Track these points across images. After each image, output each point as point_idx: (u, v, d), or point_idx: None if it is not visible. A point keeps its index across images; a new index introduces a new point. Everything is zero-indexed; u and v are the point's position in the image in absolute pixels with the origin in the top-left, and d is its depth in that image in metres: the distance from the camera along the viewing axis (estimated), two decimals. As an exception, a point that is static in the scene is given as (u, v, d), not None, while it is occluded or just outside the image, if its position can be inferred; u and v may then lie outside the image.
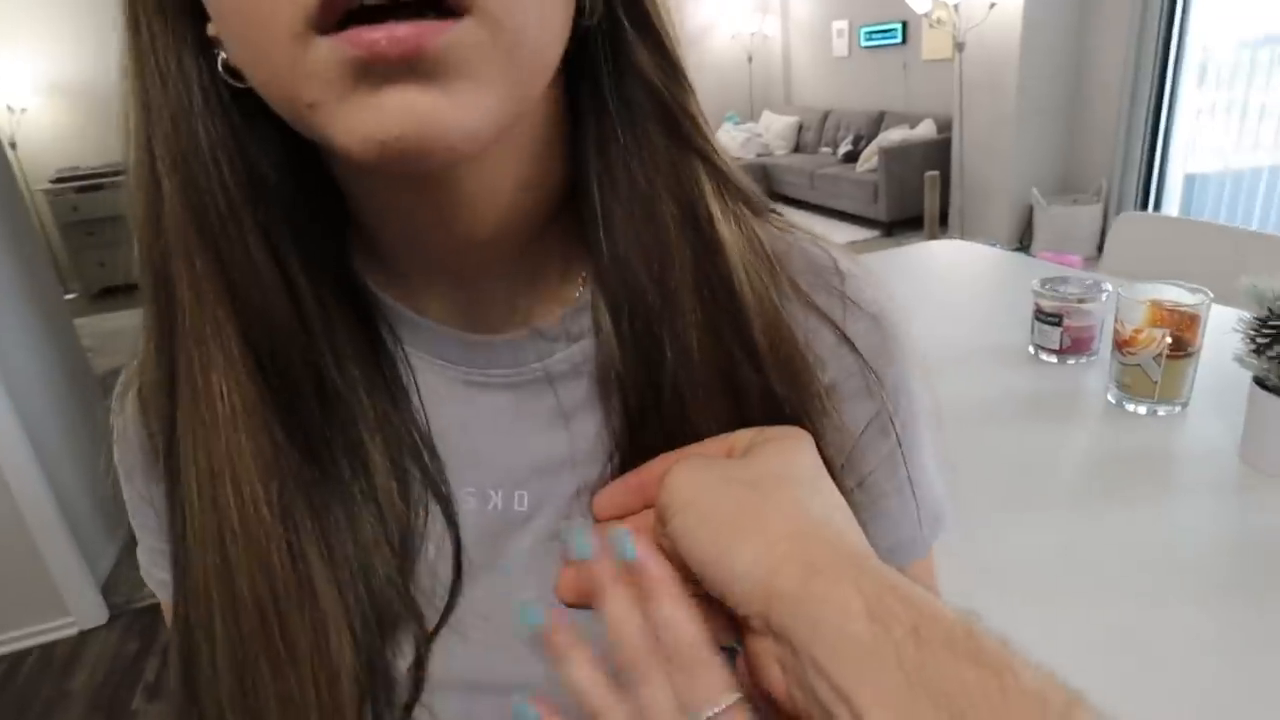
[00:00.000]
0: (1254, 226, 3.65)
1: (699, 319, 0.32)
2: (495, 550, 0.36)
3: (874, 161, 5.27)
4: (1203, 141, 3.99)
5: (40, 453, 2.00)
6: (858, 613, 0.23)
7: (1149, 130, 4.09)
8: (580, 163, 0.33)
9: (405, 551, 0.34)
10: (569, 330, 0.35)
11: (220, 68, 0.28)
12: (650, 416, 0.33)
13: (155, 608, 2.11)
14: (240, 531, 0.31)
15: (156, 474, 0.34)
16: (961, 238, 4.96)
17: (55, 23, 5.62)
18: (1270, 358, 0.84)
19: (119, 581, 2.27)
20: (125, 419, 0.39)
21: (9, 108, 5.54)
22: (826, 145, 6.38)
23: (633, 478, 0.33)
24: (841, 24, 6.44)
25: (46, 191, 5.51)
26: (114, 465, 0.40)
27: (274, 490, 0.31)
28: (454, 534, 0.35)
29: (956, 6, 4.54)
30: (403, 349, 0.36)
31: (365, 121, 0.23)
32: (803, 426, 0.33)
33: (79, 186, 5.45)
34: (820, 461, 0.31)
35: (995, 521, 0.83)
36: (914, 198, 5.05)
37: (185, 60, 0.29)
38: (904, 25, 5.65)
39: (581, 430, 0.35)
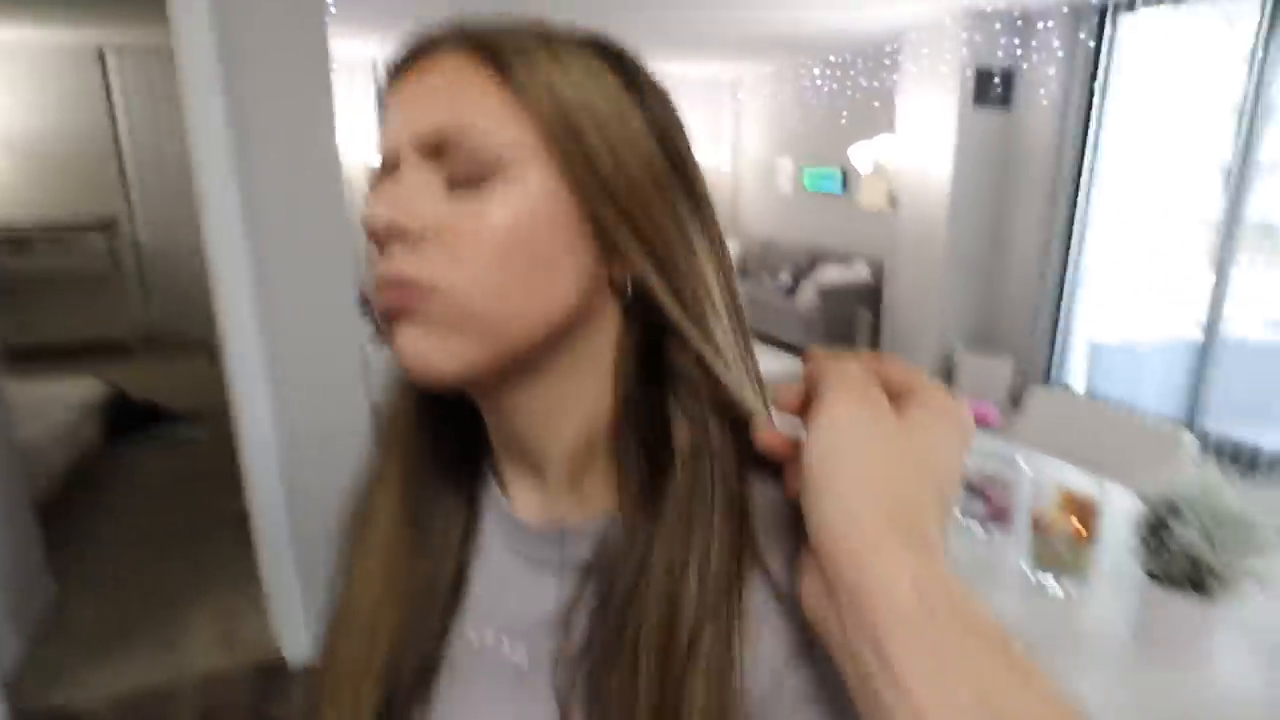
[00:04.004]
0: (1150, 396, 4.04)
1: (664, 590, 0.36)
2: (478, 676, 0.44)
3: (811, 296, 5.62)
4: (1107, 311, 4.44)
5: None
6: (907, 587, 0.28)
7: (1058, 295, 4.53)
8: (623, 415, 0.41)
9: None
10: (591, 531, 0.42)
11: None
12: (604, 639, 0.38)
13: (62, 713, 1.98)
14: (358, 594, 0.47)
15: None
16: (889, 374, 5.28)
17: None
18: (1159, 556, 0.99)
19: (24, 679, 2.11)
20: None
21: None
22: (768, 273, 6.78)
23: (804, 379, 0.36)
24: (785, 162, 6.98)
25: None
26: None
27: (382, 580, 0.46)
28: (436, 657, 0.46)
29: (892, 169, 5.02)
30: (481, 516, 0.48)
31: (397, 355, 0.38)
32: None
33: (5, 240, 5.30)
34: (961, 443, 0.34)
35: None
36: (849, 333, 5.39)
37: None
38: (844, 173, 6.17)
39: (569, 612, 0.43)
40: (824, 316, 5.45)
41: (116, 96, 5.89)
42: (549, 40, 0.38)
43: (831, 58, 6.15)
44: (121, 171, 6.02)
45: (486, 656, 0.44)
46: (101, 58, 5.81)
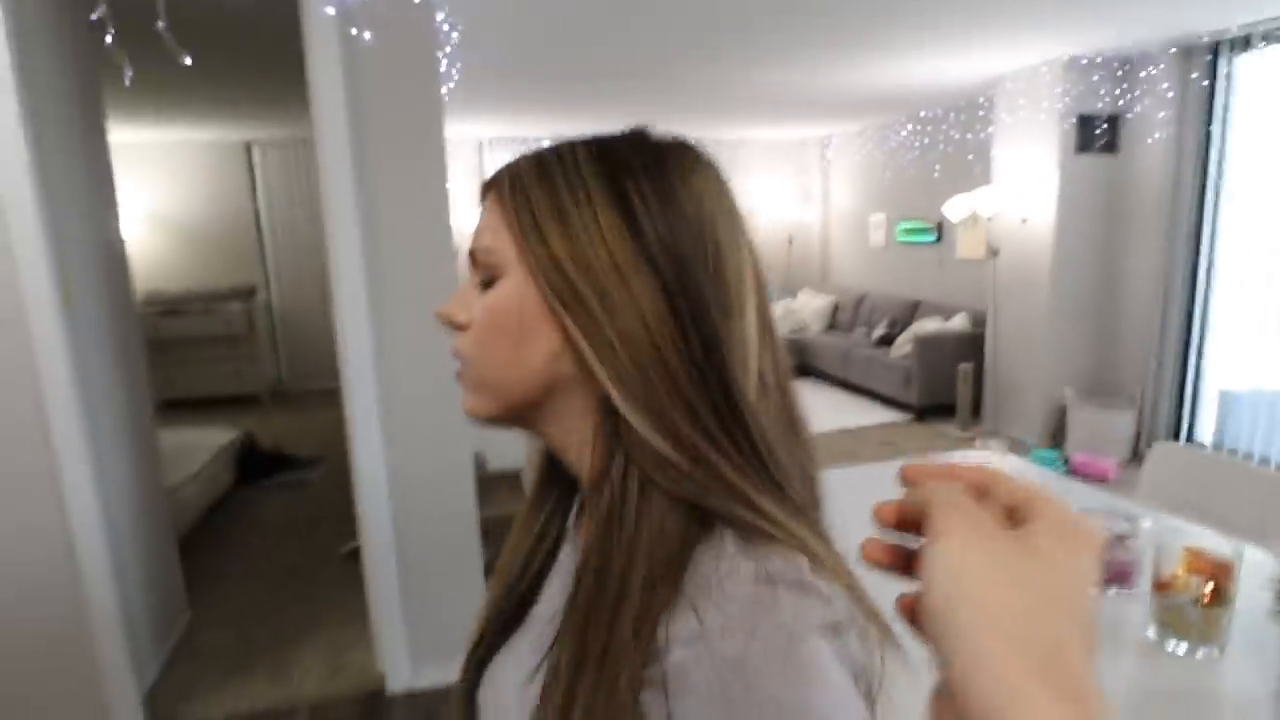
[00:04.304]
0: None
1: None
2: (525, 637, 0.55)
3: (908, 348, 5.50)
4: (1237, 357, 4.15)
5: (116, 559, 2.11)
6: None
7: (1182, 342, 4.27)
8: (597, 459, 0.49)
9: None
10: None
11: None
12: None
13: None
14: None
15: None
16: (995, 430, 5.08)
17: (160, 164, 6.39)
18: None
19: (160, 694, 2.30)
20: None
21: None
22: (861, 326, 6.69)
23: (902, 503, 0.35)
24: (879, 218, 6.94)
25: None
26: None
27: (504, 564, 0.60)
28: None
29: (990, 218, 4.92)
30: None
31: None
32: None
33: (162, 310, 5.91)
34: (1092, 567, 0.32)
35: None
36: (946, 385, 5.23)
37: None
38: (939, 225, 6.08)
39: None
40: (922, 367, 5.32)
41: (259, 184, 6.65)
42: (551, 160, 0.48)
43: (922, 113, 6.14)
44: (260, 247, 6.74)
45: (535, 625, 0.55)
46: (248, 150, 6.59)
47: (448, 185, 2.23)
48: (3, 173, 1.85)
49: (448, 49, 3.03)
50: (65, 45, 2.23)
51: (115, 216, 2.63)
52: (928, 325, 5.64)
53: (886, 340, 6.06)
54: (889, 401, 5.78)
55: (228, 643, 2.64)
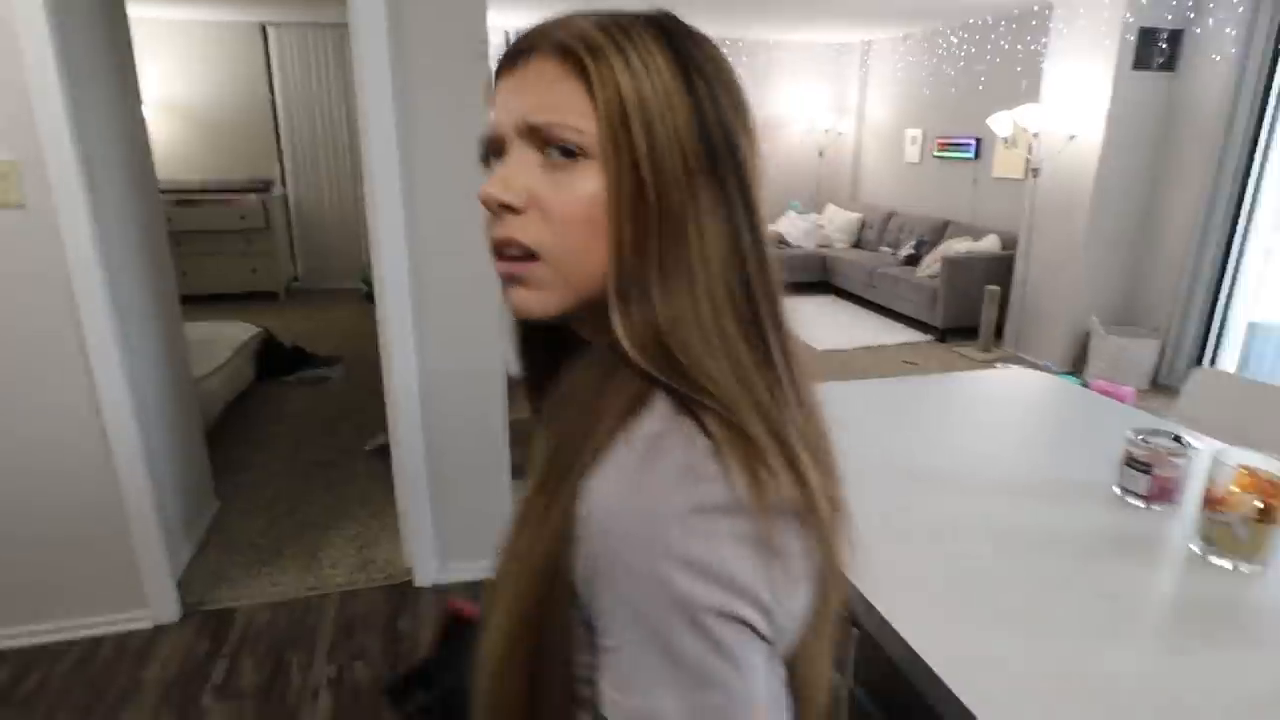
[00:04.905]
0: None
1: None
2: None
3: (935, 268, 5.40)
4: (1266, 289, 4.05)
5: (147, 445, 2.14)
6: None
7: (1215, 274, 4.17)
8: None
9: None
10: None
11: None
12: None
13: (224, 611, 2.22)
14: None
15: None
16: (1016, 353, 5.03)
17: (172, 46, 6.14)
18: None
19: (192, 581, 2.39)
20: None
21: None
22: (887, 245, 6.55)
23: None
24: (915, 132, 6.69)
25: (150, 198, 5.90)
26: None
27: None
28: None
29: (1037, 134, 4.72)
30: None
31: (507, 302, 0.52)
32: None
33: (177, 200, 5.80)
34: None
35: (1080, 644, 0.91)
36: (971, 307, 5.16)
37: None
38: (978, 141, 5.85)
39: None
40: (948, 289, 5.23)
41: (275, 69, 6.36)
42: (618, 33, 0.47)
43: (972, 20, 5.82)
44: (277, 138, 6.51)
45: None
46: (264, 33, 6.27)
47: (488, 71, 2.12)
48: (28, 54, 1.77)
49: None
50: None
51: (137, 99, 2.54)
52: (957, 246, 5.51)
53: (913, 259, 5.95)
54: (912, 321, 5.72)
55: (256, 532, 2.71)
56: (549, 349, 0.59)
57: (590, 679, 0.45)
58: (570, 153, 0.47)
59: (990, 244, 5.40)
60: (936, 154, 6.40)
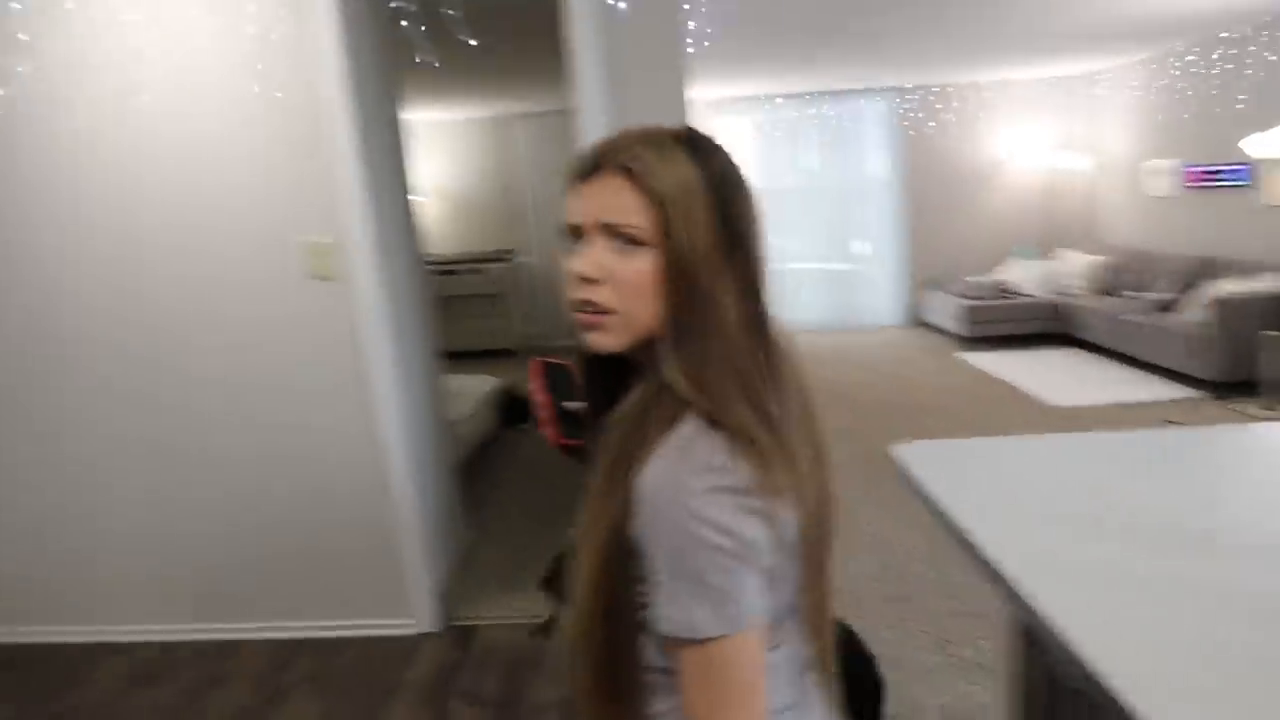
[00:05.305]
0: None
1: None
2: None
3: (1199, 312, 4.77)
4: None
5: (416, 480, 2.52)
6: None
7: None
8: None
9: None
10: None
11: None
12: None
13: (470, 627, 2.50)
14: None
15: None
16: (1310, 407, 4.27)
17: (442, 140, 7.24)
18: None
19: (447, 597, 2.72)
20: None
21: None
22: (1131, 289, 5.89)
23: None
24: (1159, 164, 6.04)
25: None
26: None
27: None
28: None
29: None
30: None
31: (584, 342, 0.75)
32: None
33: (439, 270, 6.75)
34: None
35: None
36: (1246, 357, 4.48)
37: None
38: (1245, 167, 5.16)
39: None
40: (1222, 336, 4.57)
41: (521, 153, 7.32)
42: (657, 148, 0.70)
43: (1224, 34, 5.22)
44: (521, 213, 7.46)
45: None
46: (512, 125, 7.27)
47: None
48: (338, 157, 2.25)
49: (685, 5, 3.13)
50: (374, 33, 2.64)
51: (409, 188, 3.07)
52: (1224, 286, 4.84)
53: (1166, 304, 5.30)
54: (1169, 374, 5.07)
55: (502, 561, 3.03)
56: (606, 390, 0.80)
57: (646, 604, 0.67)
58: (633, 240, 0.69)
59: (1269, 283, 4.68)
60: (1190, 185, 5.72)
